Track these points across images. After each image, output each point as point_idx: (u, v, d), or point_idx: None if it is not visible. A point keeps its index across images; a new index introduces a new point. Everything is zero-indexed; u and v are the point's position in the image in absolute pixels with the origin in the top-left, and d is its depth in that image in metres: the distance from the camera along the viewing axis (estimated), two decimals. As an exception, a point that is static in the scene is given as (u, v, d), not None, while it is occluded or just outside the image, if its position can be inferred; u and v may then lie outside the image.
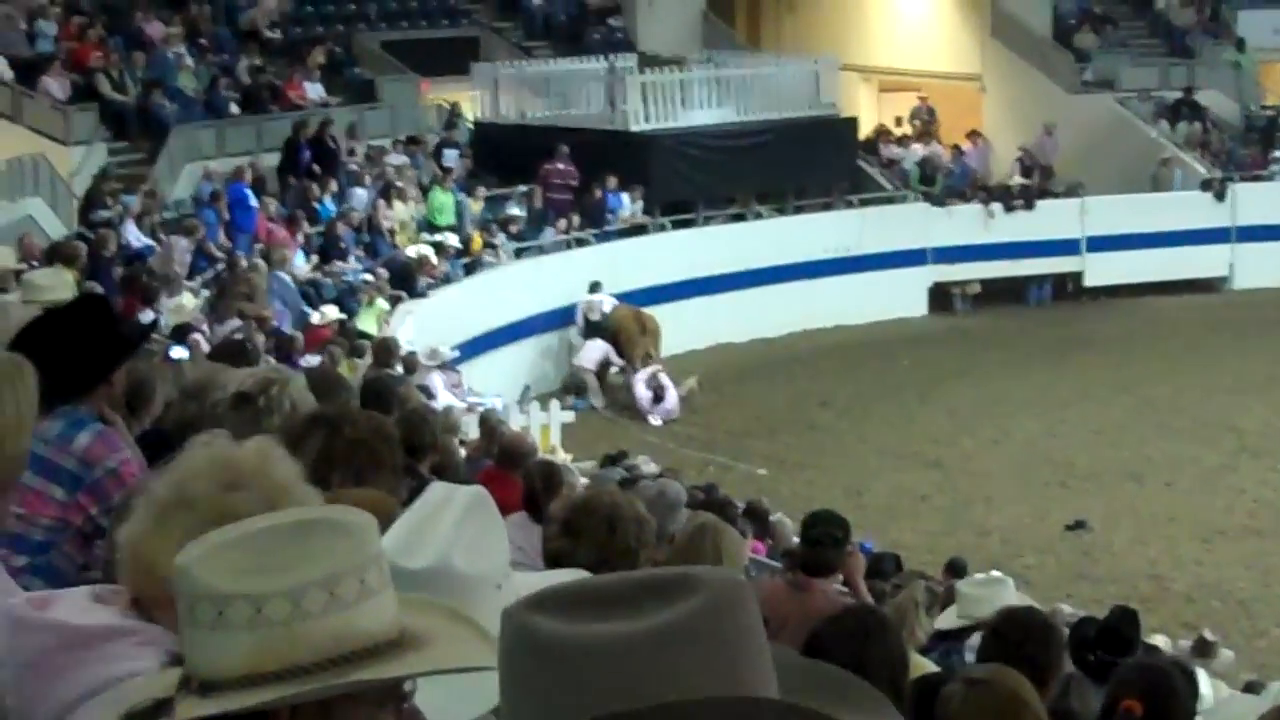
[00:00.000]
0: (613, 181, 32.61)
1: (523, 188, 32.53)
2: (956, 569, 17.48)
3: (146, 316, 19.96)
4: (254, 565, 2.55)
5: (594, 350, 30.58)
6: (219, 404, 5.66)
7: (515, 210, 31.93)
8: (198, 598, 2.54)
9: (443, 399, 22.21)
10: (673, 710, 1.95)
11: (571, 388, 30.33)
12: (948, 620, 10.43)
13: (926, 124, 40.28)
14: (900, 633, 6.20)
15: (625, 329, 30.75)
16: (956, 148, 38.86)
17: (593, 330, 30.98)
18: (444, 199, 30.96)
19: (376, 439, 4.89)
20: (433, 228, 30.44)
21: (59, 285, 12.25)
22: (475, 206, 31.70)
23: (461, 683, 2.77)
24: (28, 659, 2.94)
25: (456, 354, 26.00)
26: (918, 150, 38.74)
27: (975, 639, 9.71)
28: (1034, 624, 6.78)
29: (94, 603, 3.07)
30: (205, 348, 18.31)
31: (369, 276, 27.14)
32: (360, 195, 30.25)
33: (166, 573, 3.01)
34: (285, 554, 2.56)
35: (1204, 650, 16.28)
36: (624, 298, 31.43)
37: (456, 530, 3.25)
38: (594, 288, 31.19)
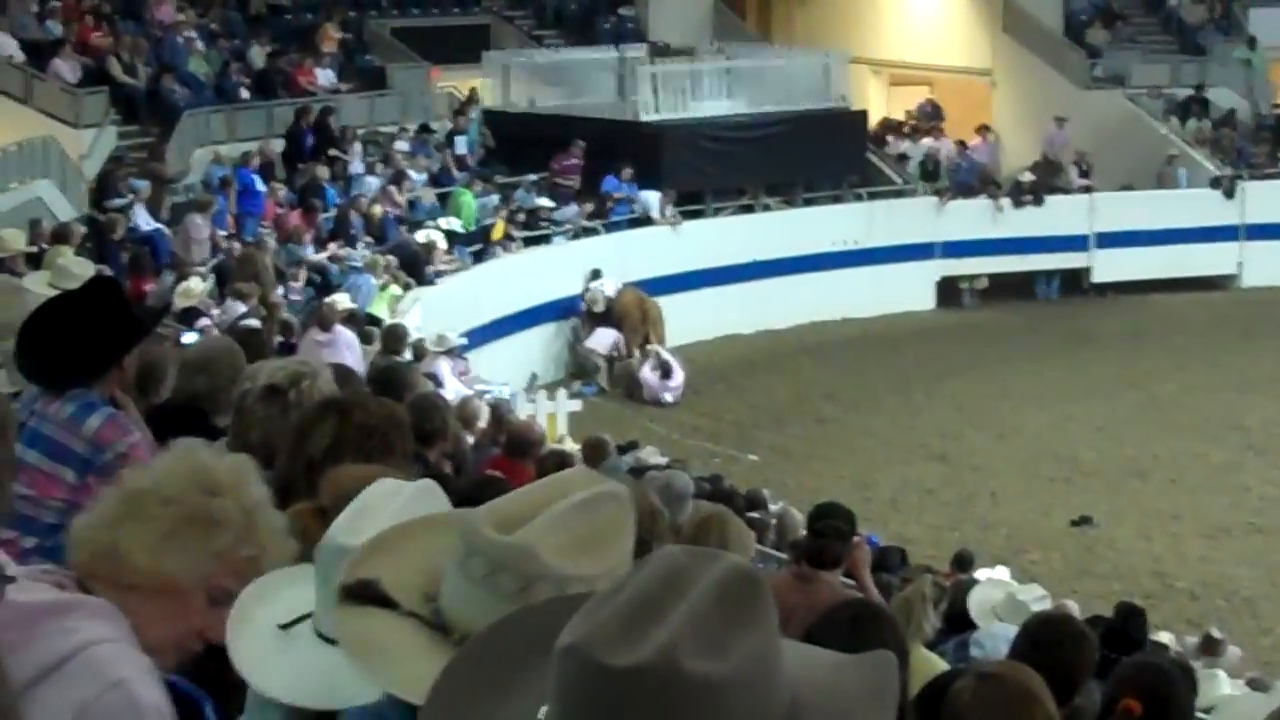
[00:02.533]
0: (627, 173, 32.49)
1: (532, 176, 32.45)
2: (963, 563, 17.48)
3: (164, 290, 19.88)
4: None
5: (605, 335, 30.56)
6: (248, 394, 5.65)
7: (546, 201, 31.78)
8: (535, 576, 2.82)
9: (450, 386, 22.12)
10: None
11: (579, 372, 30.30)
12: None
13: (930, 121, 40.19)
14: (898, 624, 6.12)
15: (628, 315, 30.69)
16: (962, 143, 38.77)
17: (597, 321, 30.89)
18: (468, 198, 30.82)
19: (388, 425, 4.87)
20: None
21: (89, 273, 12.17)
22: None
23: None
24: None
25: (464, 341, 25.95)
26: (926, 144, 38.65)
27: (981, 633, 9.72)
28: (1069, 630, 6.70)
29: (31, 582, 3.09)
30: (215, 332, 18.30)
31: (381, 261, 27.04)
32: (370, 182, 30.21)
33: (137, 560, 3.16)
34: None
35: (1211, 648, 16.24)
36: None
37: (398, 516, 3.28)
38: (594, 275, 31.14)
